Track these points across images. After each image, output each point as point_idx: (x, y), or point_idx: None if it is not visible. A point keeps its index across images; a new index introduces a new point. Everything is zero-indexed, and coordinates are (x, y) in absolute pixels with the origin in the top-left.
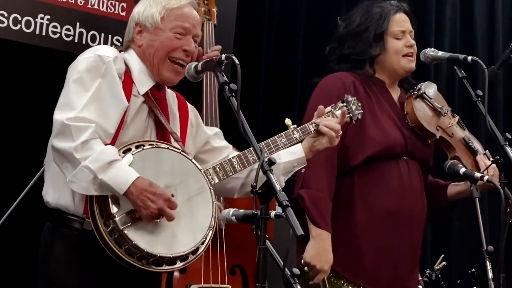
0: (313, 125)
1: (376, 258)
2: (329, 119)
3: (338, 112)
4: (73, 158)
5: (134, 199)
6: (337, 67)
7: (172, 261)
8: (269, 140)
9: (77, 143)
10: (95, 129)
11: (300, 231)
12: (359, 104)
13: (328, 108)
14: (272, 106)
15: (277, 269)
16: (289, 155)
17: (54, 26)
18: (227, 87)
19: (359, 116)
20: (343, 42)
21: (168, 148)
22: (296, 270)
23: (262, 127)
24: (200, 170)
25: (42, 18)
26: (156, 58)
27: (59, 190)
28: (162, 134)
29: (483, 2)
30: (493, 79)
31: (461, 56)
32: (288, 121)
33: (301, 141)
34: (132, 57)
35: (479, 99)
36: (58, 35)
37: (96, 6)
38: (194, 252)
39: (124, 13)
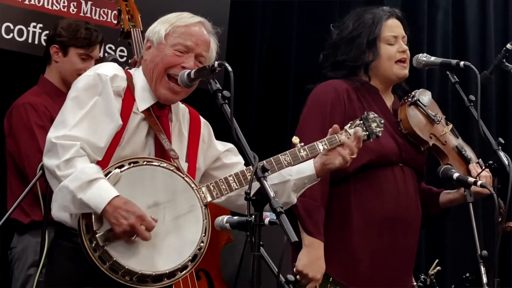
0: (323, 143)
1: (372, 265)
2: (349, 142)
3: (352, 130)
4: (56, 176)
5: (109, 217)
6: (331, 74)
7: (157, 278)
8: (271, 158)
9: (60, 161)
10: (81, 146)
11: (294, 238)
12: (382, 121)
13: (347, 126)
14: (265, 113)
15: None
16: (299, 172)
17: (47, 35)
18: (220, 94)
19: (379, 134)
20: (337, 49)
21: (160, 166)
22: (291, 277)
23: (255, 134)
24: (192, 188)
25: (34, 27)
26: (155, 74)
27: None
28: (161, 151)
29: (475, 7)
30: (485, 84)
31: (454, 61)
32: (295, 139)
33: (309, 159)
34: (138, 74)
35: (472, 104)
36: None
37: (88, 15)
38: (182, 269)
39: (116, 21)
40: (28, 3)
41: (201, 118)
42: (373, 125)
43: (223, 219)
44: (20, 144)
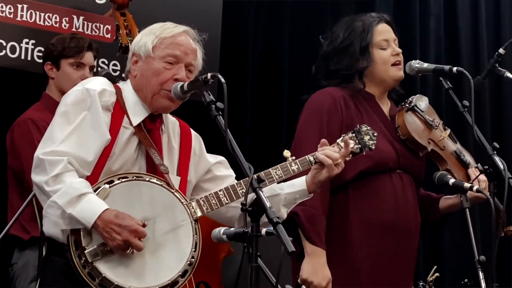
0: (314, 156)
1: (372, 273)
2: (329, 148)
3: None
4: (45, 191)
5: (101, 232)
6: (325, 83)
7: None
8: (262, 172)
9: (49, 177)
10: (69, 161)
11: (291, 248)
12: (375, 134)
13: (339, 140)
14: (260, 123)
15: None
16: (290, 186)
17: (39, 51)
18: (213, 106)
19: (372, 147)
20: (329, 60)
21: (149, 181)
22: (289, 287)
23: (250, 146)
24: (182, 203)
25: (27, 43)
26: (149, 90)
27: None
28: (152, 166)
29: (467, 13)
30: (479, 89)
31: (446, 67)
32: (286, 153)
33: (302, 173)
34: (128, 88)
35: (466, 109)
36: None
37: (80, 29)
38: (173, 285)
39: (109, 35)
40: (20, 19)
41: (192, 130)
42: (366, 138)
43: (220, 230)
44: (23, 159)
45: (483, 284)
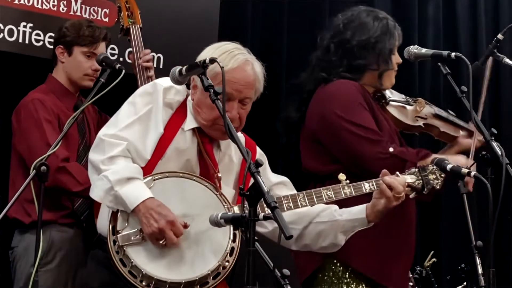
0: (370, 184)
1: (398, 263)
2: (394, 178)
3: (407, 177)
4: (99, 170)
5: (140, 217)
6: (345, 75)
7: (174, 287)
8: (312, 190)
9: (105, 157)
10: (127, 147)
11: (289, 232)
12: (442, 175)
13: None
14: (258, 109)
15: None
16: (349, 213)
17: (37, 34)
18: (212, 90)
19: (437, 187)
20: (352, 49)
21: (194, 180)
22: (287, 271)
23: (248, 130)
24: (224, 205)
25: (24, 27)
26: (202, 119)
27: (102, 216)
28: (205, 168)
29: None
30: (477, 75)
31: (445, 52)
32: (341, 176)
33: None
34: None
35: (464, 95)
36: (41, 43)
37: (78, 13)
38: (202, 284)
39: (107, 19)
40: (17, 2)
41: (258, 148)
42: (431, 176)
43: (218, 215)
44: (29, 138)
45: (480, 270)
